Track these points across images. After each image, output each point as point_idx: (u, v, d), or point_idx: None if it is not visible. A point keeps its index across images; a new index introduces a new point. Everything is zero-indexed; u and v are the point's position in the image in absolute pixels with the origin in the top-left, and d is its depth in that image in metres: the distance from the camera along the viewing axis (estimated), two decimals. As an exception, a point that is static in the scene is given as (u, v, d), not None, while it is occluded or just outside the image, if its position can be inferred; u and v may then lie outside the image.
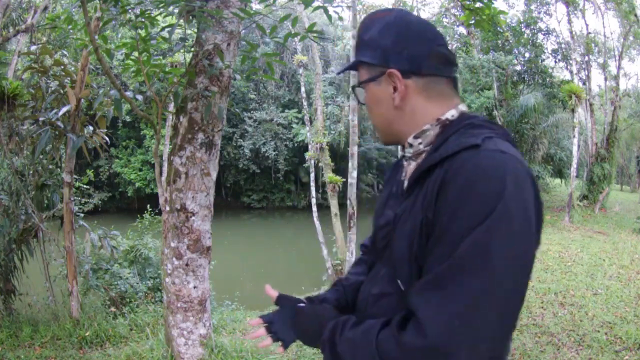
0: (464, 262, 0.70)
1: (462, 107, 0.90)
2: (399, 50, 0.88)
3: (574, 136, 12.85)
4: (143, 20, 2.89)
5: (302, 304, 1.06)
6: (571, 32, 13.73)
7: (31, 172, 4.65)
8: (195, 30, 3.11)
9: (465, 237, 0.71)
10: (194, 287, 3.13)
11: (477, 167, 0.74)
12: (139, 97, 3.51)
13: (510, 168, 0.74)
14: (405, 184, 0.93)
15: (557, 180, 20.06)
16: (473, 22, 4.08)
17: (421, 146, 0.90)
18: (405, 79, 0.88)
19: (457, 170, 0.75)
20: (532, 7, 13.00)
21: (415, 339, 0.72)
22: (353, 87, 1.00)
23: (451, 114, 0.89)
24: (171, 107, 4.38)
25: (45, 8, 7.46)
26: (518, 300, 0.75)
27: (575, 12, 13.94)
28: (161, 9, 2.84)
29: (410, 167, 0.95)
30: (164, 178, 3.32)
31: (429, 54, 0.88)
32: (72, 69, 4.65)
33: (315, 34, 3.07)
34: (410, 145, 0.92)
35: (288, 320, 1.04)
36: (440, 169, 0.79)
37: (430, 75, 0.89)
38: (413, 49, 0.88)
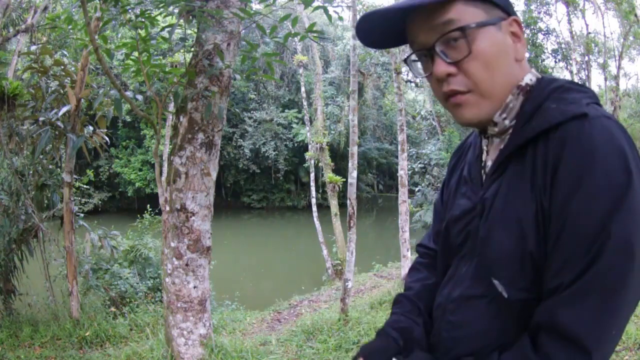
0: (612, 263, 0.62)
1: (533, 70, 0.78)
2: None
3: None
4: (143, 20, 2.90)
5: None
6: (571, 32, 13.74)
7: (31, 172, 4.65)
8: (195, 30, 3.12)
9: (604, 230, 0.61)
10: (194, 287, 3.13)
11: (594, 141, 0.63)
12: (139, 97, 3.52)
13: (625, 137, 0.65)
14: (489, 164, 0.81)
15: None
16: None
17: (507, 122, 0.75)
18: None
19: (572, 147, 0.64)
20: (532, 7, 12.98)
21: None
22: (462, 29, 0.71)
23: (529, 77, 0.75)
24: (171, 107, 4.39)
25: (45, 8, 7.45)
26: None
27: (575, 12, 13.94)
28: (161, 9, 2.85)
29: (492, 146, 0.81)
30: (164, 178, 3.33)
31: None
32: (72, 69, 4.66)
33: (315, 34, 3.07)
34: (495, 124, 0.76)
35: None
36: (545, 144, 0.68)
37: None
38: (509, 3, 0.75)
